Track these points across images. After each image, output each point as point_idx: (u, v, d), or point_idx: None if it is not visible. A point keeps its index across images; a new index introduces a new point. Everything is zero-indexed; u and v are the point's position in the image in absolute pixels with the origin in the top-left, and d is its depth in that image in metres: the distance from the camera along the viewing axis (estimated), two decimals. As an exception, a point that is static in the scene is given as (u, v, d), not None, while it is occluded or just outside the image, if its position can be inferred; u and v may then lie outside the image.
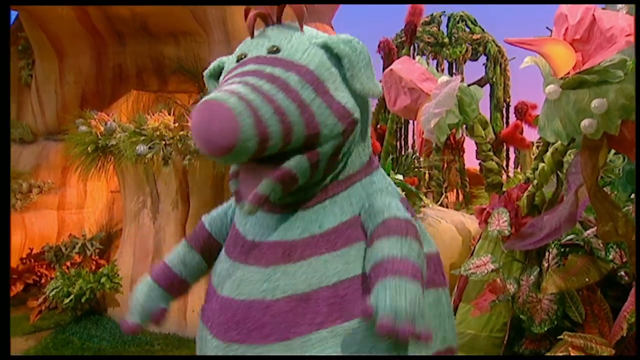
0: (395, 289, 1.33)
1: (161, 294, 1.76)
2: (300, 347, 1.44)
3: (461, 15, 5.33)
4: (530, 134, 4.21)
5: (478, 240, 3.03)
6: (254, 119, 1.36)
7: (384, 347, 1.45)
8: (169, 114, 6.18)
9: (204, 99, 1.37)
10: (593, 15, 2.01)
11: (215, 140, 1.34)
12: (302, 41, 1.60)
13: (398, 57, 4.06)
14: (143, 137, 5.98)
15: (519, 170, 4.56)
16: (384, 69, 4.20)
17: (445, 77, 2.85)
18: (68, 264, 8.33)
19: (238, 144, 1.34)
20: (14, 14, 10.08)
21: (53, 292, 6.39)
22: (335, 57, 1.59)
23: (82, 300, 6.34)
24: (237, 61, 1.61)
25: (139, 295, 1.75)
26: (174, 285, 1.79)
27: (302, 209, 1.60)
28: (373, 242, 1.50)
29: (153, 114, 6.23)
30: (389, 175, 3.15)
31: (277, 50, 1.57)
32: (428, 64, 5.33)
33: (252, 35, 1.65)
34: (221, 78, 1.66)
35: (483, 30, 5.33)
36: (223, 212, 1.86)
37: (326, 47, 1.60)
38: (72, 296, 6.26)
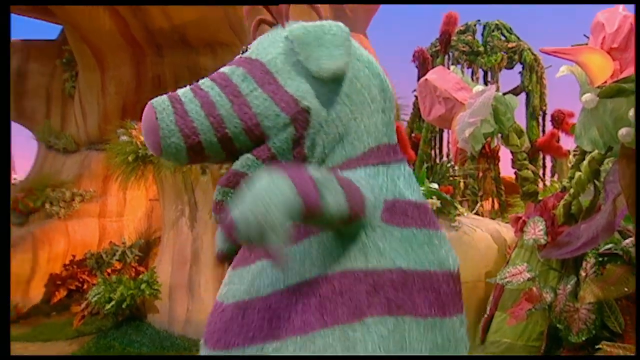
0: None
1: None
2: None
3: (496, 24, 5.31)
4: (567, 142, 4.17)
5: (514, 249, 3.02)
6: (177, 115, 1.39)
7: None
8: (207, 124, 6.31)
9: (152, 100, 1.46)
10: (631, 23, 2.01)
11: (146, 139, 1.41)
12: (271, 37, 1.60)
13: (433, 67, 4.07)
14: (182, 147, 6.12)
15: (555, 178, 4.50)
16: (418, 78, 4.22)
17: (480, 87, 2.86)
18: (109, 270, 8.57)
19: (162, 140, 1.38)
20: (59, 28, 10.48)
21: (95, 298, 6.58)
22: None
23: (123, 306, 6.50)
24: None
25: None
26: None
27: None
28: None
29: (191, 124, 6.36)
30: (422, 184, 3.16)
31: (245, 51, 1.61)
32: (463, 72, 5.34)
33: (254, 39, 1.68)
34: None
35: (519, 38, 5.30)
36: None
37: (287, 38, 1.55)
38: (113, 302, 6.44)
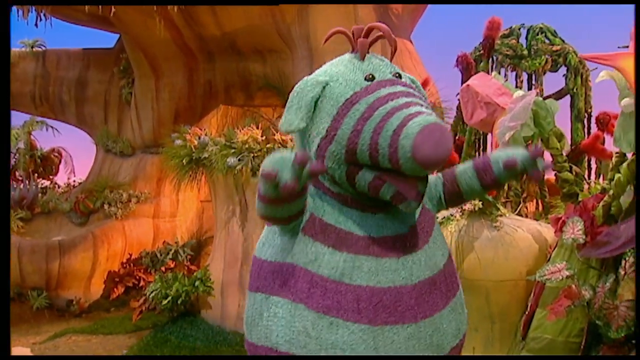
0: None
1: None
2: (438, 322, 1.79)
3: (541, 27, 5.32)
4: (613, 145, 4.15)
5: (554, 248, 3.10)
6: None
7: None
8: (256, 128, 6.55)
9: (431, 122, 1.61)
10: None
11: (444, 154, 1.61)
12: (402, 71, 1.92)
13: (476, 71, 4.16)
14: (233, 150, 6.38)
15: (600, 180, 4.50)
16: (462, 83, 4.32)
17: (520, 92, 2.97)
18: (163, 268, 8.94)
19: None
20: (115, 36, 10.96)
21: (152, 294, 6.89)
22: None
23: (178, 302, 6.80)
24: (367, 80, 1.82)
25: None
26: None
27: (391, 207, 1.80)
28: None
29: (241, 128, 6.62)
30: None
31: (400, 76, 1.87)
32: (507, 76, 5.38)
33: (363, 59, 1.88)
34: (342, 92, 1.80)
35: (563, 41, 5.30)
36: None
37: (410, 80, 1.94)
38: (169, 298, 6.73)
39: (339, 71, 1.86)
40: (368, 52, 1.89)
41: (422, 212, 1.92)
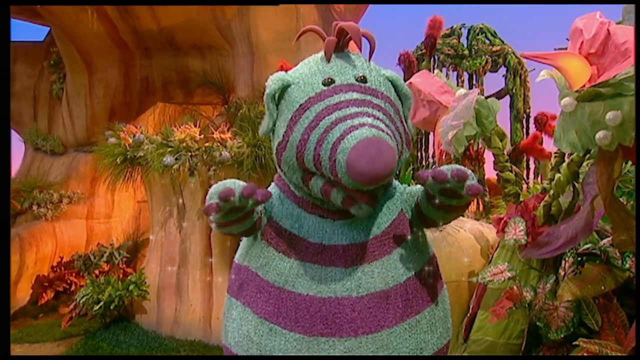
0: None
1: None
2: (386, 340, 1.66)
3: (481, 28, 5.39)
4: (551, 145, 4.22)
5: (496, 249, 3.08)
6: (396, 154, 1.59)
7: (442, 330, 1.82)
8: (195, 126, 6.35)
9: (367, 136, 1.50)
10: (608, 30, 2.06)
11: (382, 171, 1.50)
12: (377, 73, 1.80)
13: (418, 70, 4.13)
14: (170, 149, 6.16)
15: (538, 180, 4.58)
16: (404, 81, 4.28)
17: (462, 90, 2.92)
18: (96, 272, 8.56)
19: (391, 175, 1.56)
20: (46, 29, 10.43)
21: (83, 299, 6.57)
22: (398, 94, 1.84)
23: (111, 307, 6.51)
24: (324, 84, 1.72)
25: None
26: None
27: (356, 216, 1.75)
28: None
29: (179, 126, 6.41)
30: (409, 185, 3.22)
31: (365, 80, 1.73)
32: (448, 76, 5.41)
33: (329, 60, 1.78)
34: (298, 96, 1.73)
35: (503, 42, 5.39)
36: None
37: (393, 83, 1.83)
38: (101, 303, 6.44)
39: (303, 73, 1.80)
40: (343, 51, 1.81)
41: (396, 220, 1.82)
